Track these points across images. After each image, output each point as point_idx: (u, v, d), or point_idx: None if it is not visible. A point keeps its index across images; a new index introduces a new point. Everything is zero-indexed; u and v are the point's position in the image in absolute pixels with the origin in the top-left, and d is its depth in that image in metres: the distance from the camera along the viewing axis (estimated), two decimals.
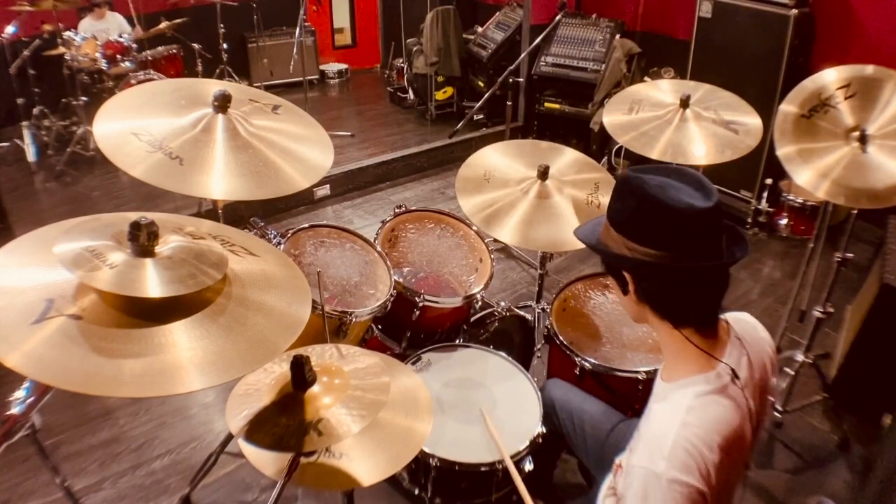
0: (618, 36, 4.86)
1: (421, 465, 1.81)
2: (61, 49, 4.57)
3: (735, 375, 1.20)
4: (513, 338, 2.42)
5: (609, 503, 1.46)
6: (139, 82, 4.06)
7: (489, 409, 1.92)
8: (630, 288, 1.25)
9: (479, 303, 2.26)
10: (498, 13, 5.62)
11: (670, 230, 1.17)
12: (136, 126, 1.68)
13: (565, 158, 2.40)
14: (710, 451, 1.11)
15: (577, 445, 1.85)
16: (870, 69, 2.18)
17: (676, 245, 1.17)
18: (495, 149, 2.42)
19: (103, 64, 4.66)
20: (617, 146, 4.57)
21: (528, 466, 1.84)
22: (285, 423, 1.26)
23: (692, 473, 1.09)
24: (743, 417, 1.19)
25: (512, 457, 1.76)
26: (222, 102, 1.79)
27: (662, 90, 2.59)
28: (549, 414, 1.90)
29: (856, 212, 2.28)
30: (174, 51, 5.33)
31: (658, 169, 1.25)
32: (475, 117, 5.20)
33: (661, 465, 1.10)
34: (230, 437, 2.22)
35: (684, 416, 1.15)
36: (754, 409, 1.24)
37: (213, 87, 1.85)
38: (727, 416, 1.16)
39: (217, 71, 5.74)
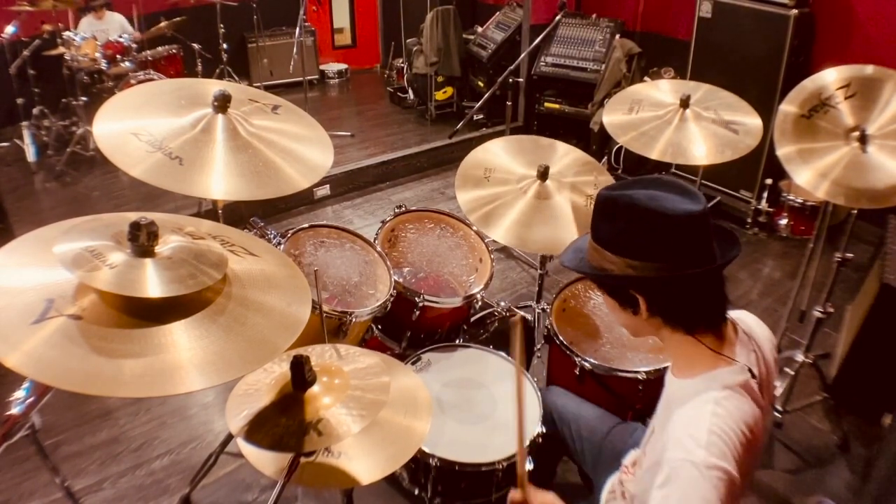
0: (618, 36, 4.86)
1: (421, 465, 1.81)
2: (61, 49, 4.57)
3: (751, 372, 1.21)
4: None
5: None
6: (139, 82, 4.06)
7: (489, 409, 1.92)
8: (642, 307, 1.22)
9: (479, 303, 2.26)
10: (498, 13, 5.62)
11: (671, 239, 1.16)
12: (135, 126, 1.68)
13: (565, 157, 2.40)
14: (740, 441, 1.12)
15: (575, 451, 1.85)
16: (870, 69, 2.18)
17: (679, 253, 1.16)
18: (496, 143, 2.41)
19: (103, 64, 4.67)
20: (617, 146, 4.57)
21: (528, 466, 1.84)
22: (285, 423, 1.26)
23: (728, 460, 1.09)
24: (760, 413, 1.19)
25: (512, 457, 1.76)
26: (222, 102, 1.79)
27: (662, 90, 2.59)
28: (548, 420, 1.90)
29: (856, 212, 2.28)
30: (174, 51, 5.33)
31: (636, 181, 1.23)
32: (475, 117, 5.19)
33: (699, 453, 1.09)
34: (230, 437, 2.22)
35: (713, 406, 1.15)
36: (766, 406, 1.24)
37: (213, 87, 1.85)
38: (750, 409, 1.16)
39: (217, 71, 5.74)
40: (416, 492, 1.86)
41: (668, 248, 1.16)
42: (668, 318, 1.23)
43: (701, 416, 1.14)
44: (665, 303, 1.21)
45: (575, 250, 1.31)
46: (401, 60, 6.38)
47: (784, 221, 4.06)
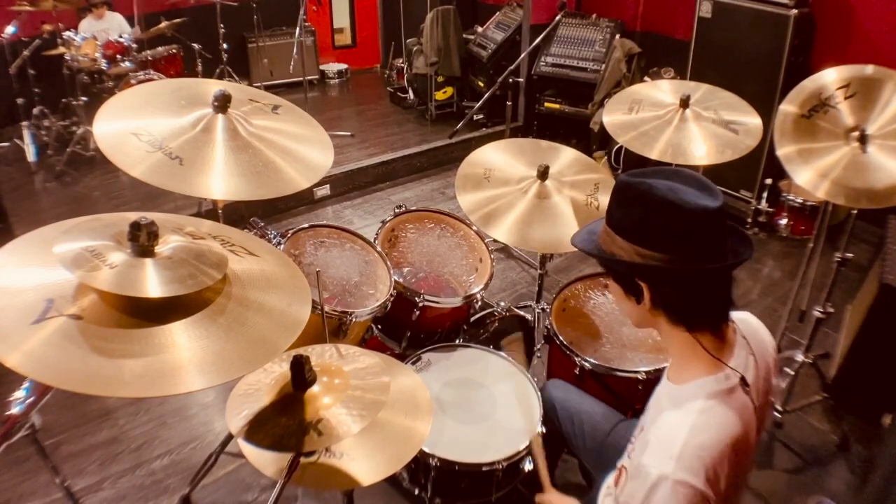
0: (618, 36, 4.86)
1: (421, 465, 1.81)
2: (61, 49, 4.57)
3: (743, 377, 1.20)
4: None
5: (608, 503, 1.46)
6: (139, 82, 4.06)
7: (489, 409, 1.92)
8: (646, 297, 1.21)
9: (479, 303, 2.26)
10: (498, 13, 5.62)
11: (684, 233, 1.15)
12: (136, 126, 1.68)
13: (565, 158, 2.40)
14: (720, 454, 1.11)
15: (576, 446, 1.85)
16: (870, 69, 2.18)
17: (690, 247, 1.16)
18: (496, 147, 2.42)
19: (103, 64, 4.66)
20: (617, 146, 4.57)
21: (528, 466, 1.84)
22: (285, 423, 1.26)
23: (699, 476, 1.09)
24: (750, 419, 1.19)
25: (511, 457, 1.76)
26: (222, 102, 1.79)
27: (662, 90, 2.58)
28: (549, 414, 1.90)
29: (856, 212, 2.28)
30: (174, 51, 5.33)
31: (657, 171, 1.22)
32: (475, 117, 5.20)
33: (669, 465, 1.10)
34: (230, 437, 2.22)
35: (695, 418, 1.14)
36: (759, 410, 1.24)
37: (213, 87, 1.85)
38: (736, 418, 1.16)
39: (217, 71, 5.74)
40: (416, 492, 1.86)
41: (679, 242, 1.15)
42: (670, 313, 1.22)
43: (680, 428, 1.14)
44: (670, 296, 1.20)
45: (588, 232, 1.31)
46: (401, 60, 6.37)
47: (784, 221, 4.06)
